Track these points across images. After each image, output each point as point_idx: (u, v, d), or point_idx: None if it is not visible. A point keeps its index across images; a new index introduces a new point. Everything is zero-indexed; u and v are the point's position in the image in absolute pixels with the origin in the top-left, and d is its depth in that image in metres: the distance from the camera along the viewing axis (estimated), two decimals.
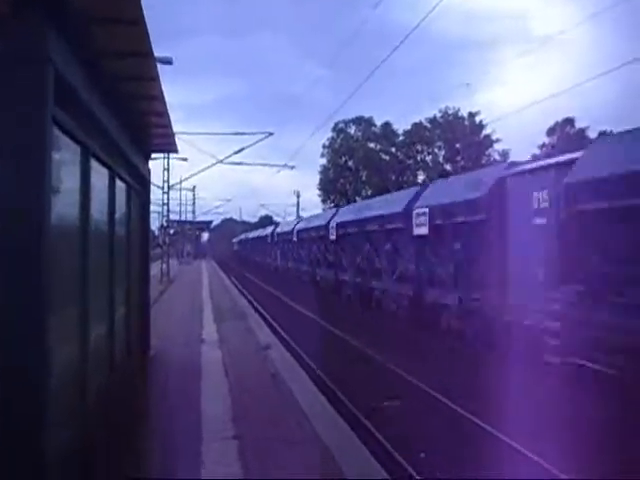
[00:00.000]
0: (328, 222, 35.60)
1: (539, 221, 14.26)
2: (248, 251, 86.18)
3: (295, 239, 47.35)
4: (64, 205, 5.69)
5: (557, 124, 67.71)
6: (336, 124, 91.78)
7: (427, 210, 20.75)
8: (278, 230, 59.32)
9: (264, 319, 22.14)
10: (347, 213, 34.03)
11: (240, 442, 7.43)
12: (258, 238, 76.17)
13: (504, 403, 10.05)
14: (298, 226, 47.91)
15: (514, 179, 15.76)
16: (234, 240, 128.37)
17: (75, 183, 6.33)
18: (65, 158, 5.70)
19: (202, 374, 11.27)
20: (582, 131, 64.74)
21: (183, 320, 19.62)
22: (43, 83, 4.49)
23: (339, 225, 33.02)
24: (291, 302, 30.87)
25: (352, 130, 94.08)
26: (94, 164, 7.01)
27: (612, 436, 9.00)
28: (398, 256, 24.53)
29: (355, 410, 11.33)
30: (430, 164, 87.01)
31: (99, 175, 7.59)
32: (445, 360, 15.42)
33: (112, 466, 6.70)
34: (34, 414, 4.41)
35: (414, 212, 21.81)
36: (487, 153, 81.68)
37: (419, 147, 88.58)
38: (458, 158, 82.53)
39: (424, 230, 20.96)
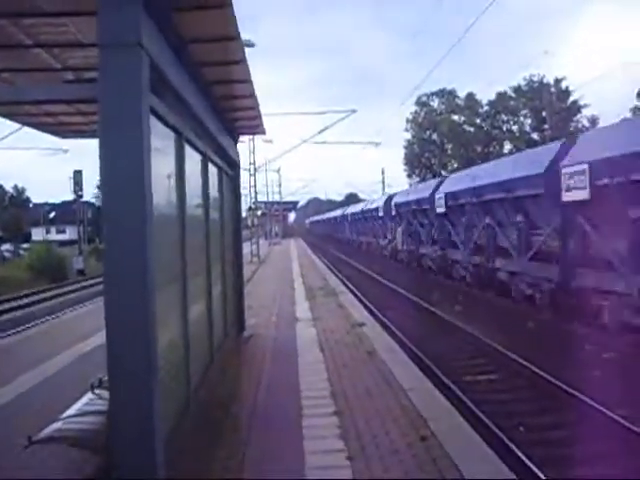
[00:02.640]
0: (433, 193, 30.88)
1: None
2: (337, 229, 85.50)
3: (390, 213, 43.11)
4: (162, 190, 5.84)
5: None
6: (419, 97, 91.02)
7: (586, 167, 15.18)
8: (366, 207, 57.01)
9: (356, 297, 22.16)
10: (458, 181, 28.30)
11: (340, 418, 7.51)
12: (343, 216, 75.83)
13: None
14: (394, 200, 42.75)
15: None
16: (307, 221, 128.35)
17: (171, 169, 6.48)
18: (161, 145, 5.83)
19: (298, 352, 11.40)
20: None
21: (275, 299, 19.89)
22: (139, 70, 4.58)
23: (448, 196, 27.94)
24: (385, 280, 30.53)
25: (435, 103, 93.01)
26: (188, 150, 7.15)
27: None
28: (534, 230, 19.96)
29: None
30: (516, 134, 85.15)
31: (192, 160, 7.74)
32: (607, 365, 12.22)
33: (217, 443, 6.89)
34: (144, 392, 4.56)
35: (562, 172, 16.24)
36: (575, 119, 79.30)
37: (504, 117, 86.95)
38: (545, 126, 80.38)
39: (581, 194, 15.42)
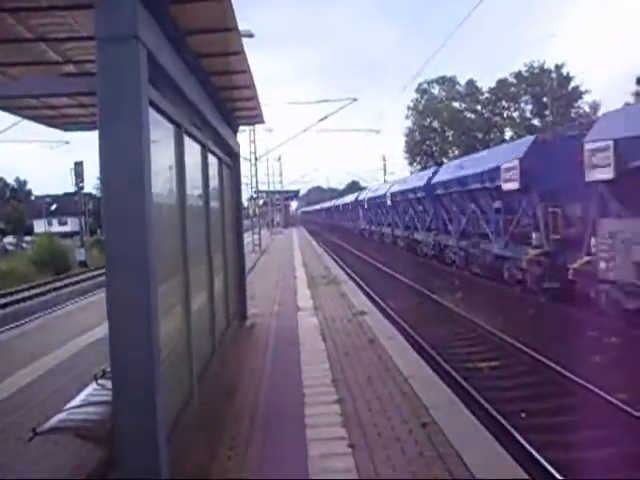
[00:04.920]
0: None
1: None
2: (338, 218, 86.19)
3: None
4: (163, 182, 5.88)
5: None
6: (419, 85, 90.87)
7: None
8: (368, 195, 57.74)
9: (358, 285, 22.23)
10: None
11: (341, 405, 7.56)
12: (346, 205, 76.32)
13: None
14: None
15: None
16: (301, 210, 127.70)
17: (171, 160, 6.52)
18: (161, 137, 5.86)
19: (300, 341, 11.46)
20: None
21: (277, 288, 19.94)
22: (136, 63, 4.59)
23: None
24: (385, 268, 30.91)
25: (436, 90, 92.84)
26: (187, 141, 7.17)
27: None
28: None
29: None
30: (517, 120, 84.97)
31: (192, 151, 7.77)
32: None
33: (219, 428, 6.96)
34: (147, 382, 4.61)
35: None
36: (576, 105, 79.14)
37: (505, 103, 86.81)
38: (546, 112, 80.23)
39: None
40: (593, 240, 15.10)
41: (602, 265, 14.38)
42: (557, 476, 7.13)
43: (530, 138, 21.09)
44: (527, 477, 5.62)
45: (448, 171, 29.44)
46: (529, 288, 19.28)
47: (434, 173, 32.31)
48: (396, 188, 42.64)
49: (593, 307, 15.07)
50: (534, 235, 19.21)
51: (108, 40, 4.53)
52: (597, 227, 14.82)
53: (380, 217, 51.33)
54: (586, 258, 15.51)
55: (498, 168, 21.05)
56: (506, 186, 20.34)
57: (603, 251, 14.36)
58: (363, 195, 62.50)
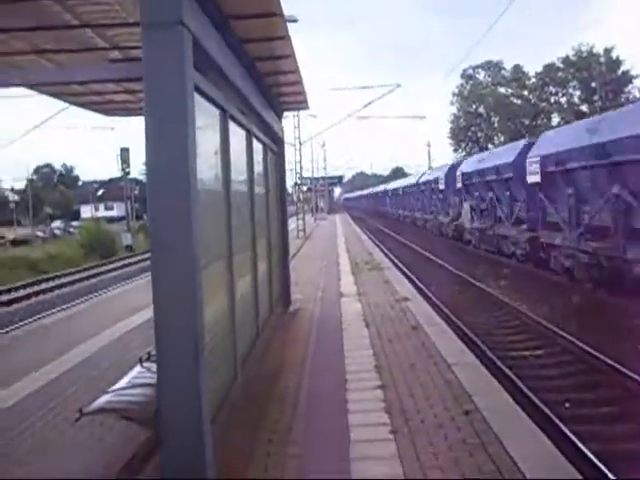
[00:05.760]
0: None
1: None
2: (385, 204, 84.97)
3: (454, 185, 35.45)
4: (207, 167, 5.92)
5: None
6: (464, 70, 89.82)
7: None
8: (422, 179, 50.55)
9: (402, 272, 22.13)
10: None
11: (384, 392, 7.55)
12: (384, 192, 75.16)
13: None
14: (460, 169, 34.42)
15: None
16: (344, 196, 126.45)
17: (216, 146, 6.55)
18: (206, 122, 5.89)
19: (343, 327, 11.47)
20: None
21: (320, 274, 19.97)
22: (181, 48, 4.61)
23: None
24: (439, 260, 30.09)
25: (481, 76, 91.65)
26: (232, 126, 7.20)
27: None
28: None
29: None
30: (565, 106, 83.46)
31: (237, 137, 7.80)
32: None
33: (262, 412, 7.02)
34: (192, 365, 4.66)
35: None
36: (626, 90, 77.44)
37: (552, 89, 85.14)
38: (595, 98, 78.67)
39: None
40: None
41: None
42: (601, 467, 7.02)
43: None
44: (571, 467, 5.54)
45: (559, 140, 20.56)
46: None
47: (527, 146, 23.96)
48: (466, 168, 33.56)
49: None
50: None
51: (153, 26, 4.56)
52: None
53: (436, 204, 43.11)
54: None
55: None
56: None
57: None
58: (411, 180, 58.92)
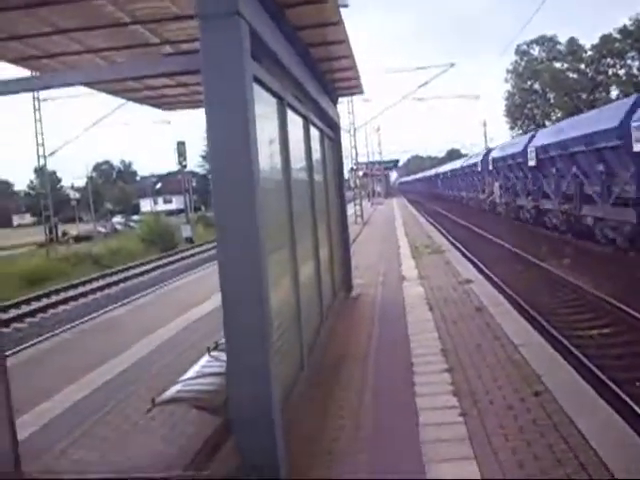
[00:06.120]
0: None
1: None
2: (437, 186, 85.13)
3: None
4: (268, 156, 5.96)
5: None
6: (518, 46, 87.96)
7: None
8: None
9: (462, 253, 21.95)
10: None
11: (451, 374, 7.52)
12: (436, 175, 76.04)
13: None
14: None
15: None
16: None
17: (275, 134, 6.59)
18: (265, 111, 5.92)
19: (407, 310, 11.43)
20: None
21: (381, 258, 19.91)
22: (239, 38, 4.65)
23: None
24: (487, 234, 30.25)
25: (536, 51, 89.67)
26: (290, 114, 7.22)
27: None
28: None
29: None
30: (623, 78, 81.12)
31: (295, 124, 7.83)
32: None
33: (331, 397, 7.05)
34: (260, 353, 4.72)
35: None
36: None
37: (610, 61, 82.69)
38: None
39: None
40: None
41: None
42: None
43: None
44: None
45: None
46: None
47: (636, 105, 20.09)
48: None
49: None
50: None
51: (210, 18, 4.60)
52: None
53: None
54: None
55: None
56: None
57: None
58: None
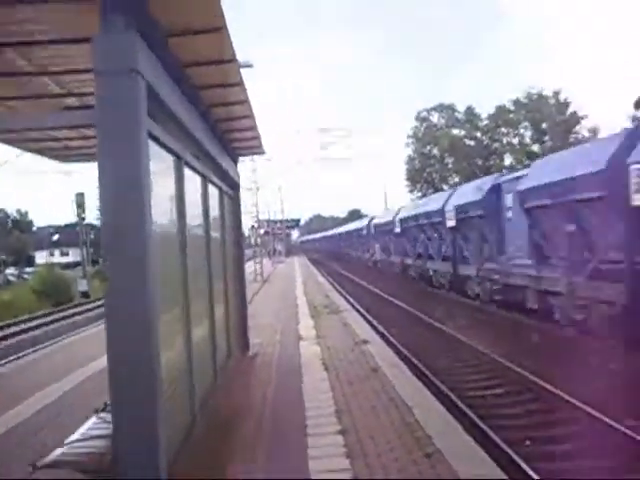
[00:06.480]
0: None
1: None
2: (339, 246, 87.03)
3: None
4: (163, 213, 5.89)
5: None
6: (419, 113, 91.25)
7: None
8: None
9: (360, 314, 22.16)
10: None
11: (345, 436, 7.48)
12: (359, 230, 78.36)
13: None
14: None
15: None
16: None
17: (171, 192, 6.54)
18: (161, 168, 5.88)
19: (303, 370, 11.38)
20: None
21: (279, 318, 19.85)
22: (135, 96, 4.63)
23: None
24: (389, 297, 30.67)
25: (435, 118, 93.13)
26: (187, 172, 7.20)
27: None
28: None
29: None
30: (517, 146, 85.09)
31: (193, 183, 7.79)
32: None
33: (221, 459, 6.89)
34: (148, 415, 4.59)
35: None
36: (575, 130, 79.32)
37: (504, 130, 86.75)
38: (545, 138, 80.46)
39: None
40: None
41: None
42: None
43: None
44: None
45: None
46: None
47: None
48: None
49: None
50: None
51: (106, 73, 4.57)
52: None
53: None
54: None
55: None
56: None
57: None
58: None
